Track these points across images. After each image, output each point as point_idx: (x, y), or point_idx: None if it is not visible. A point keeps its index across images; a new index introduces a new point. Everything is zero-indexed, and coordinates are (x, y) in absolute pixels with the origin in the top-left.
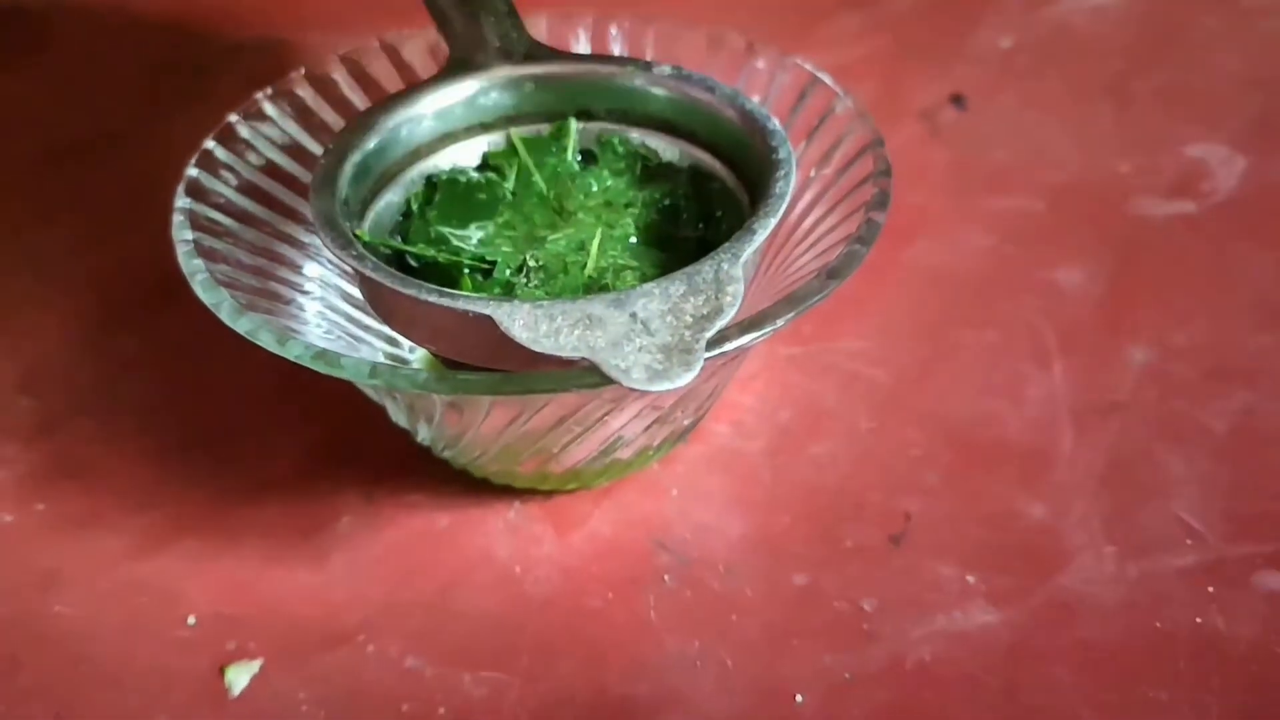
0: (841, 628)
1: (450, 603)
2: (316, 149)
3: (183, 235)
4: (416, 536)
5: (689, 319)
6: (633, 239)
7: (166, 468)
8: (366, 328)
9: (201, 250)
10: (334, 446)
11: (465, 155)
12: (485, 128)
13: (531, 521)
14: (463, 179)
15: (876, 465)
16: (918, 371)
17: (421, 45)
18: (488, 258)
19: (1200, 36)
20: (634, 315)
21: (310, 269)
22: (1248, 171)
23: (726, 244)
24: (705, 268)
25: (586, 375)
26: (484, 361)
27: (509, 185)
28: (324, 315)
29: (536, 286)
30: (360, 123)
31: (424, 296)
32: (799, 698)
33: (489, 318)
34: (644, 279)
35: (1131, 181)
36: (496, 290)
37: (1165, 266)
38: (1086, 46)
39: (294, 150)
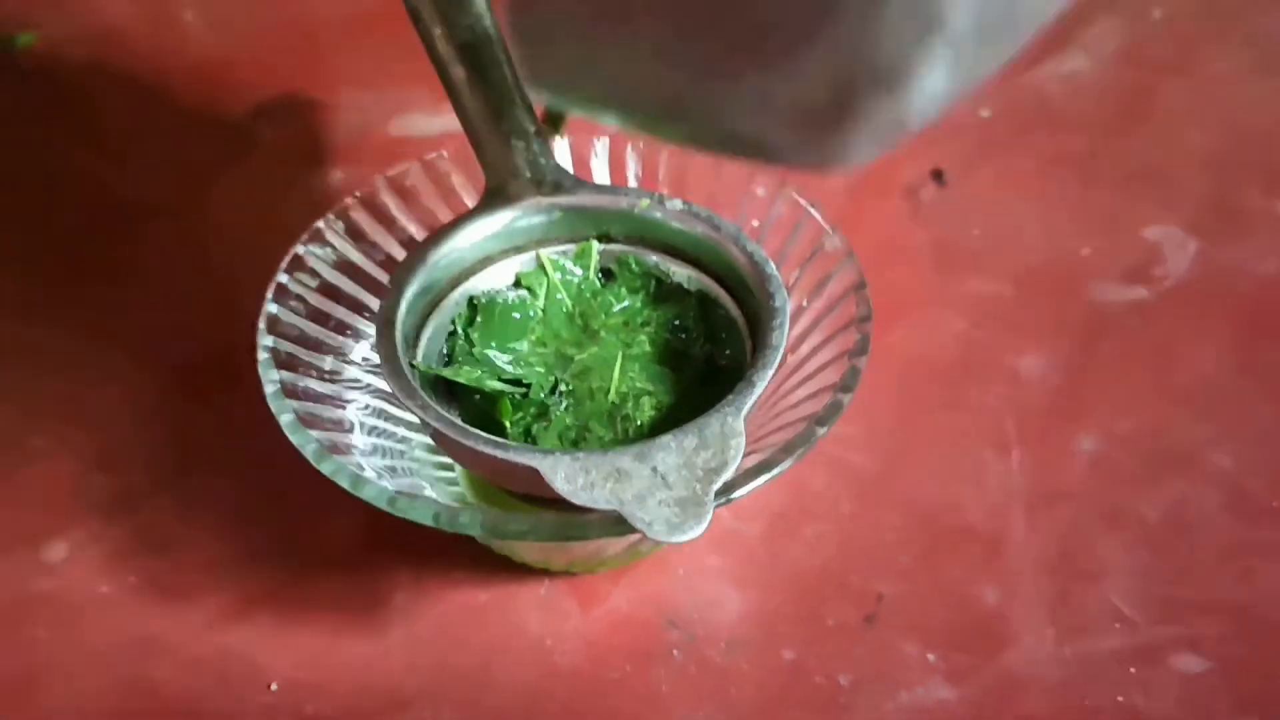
0: (822, 701)
1: (492, 672)
2: (368, 265)
3: (270, 376)
4: (461, 611)
5: (700, 472)
6: (650, 360)
7: (238, 543)
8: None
9: (287, 390)
10: (385, 527)
11: (500, 275)
12: (518, 250)
13: (560, 598)
14: (500, 300)
15: (856, 548)
16: (895, 457)
17: (452, 159)
18: (524, 380)
19: (1167, 108)
20: (655, 469)
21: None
22: (1198, 255)
23: (730, 396)
24: (713, 421)
25: (617, 525)
26: (529, 491)
27: (539, 303)
28: (367, 408)
29: (567, 409)
30: (413, 259)
31: (480, 448)
32: None
33: (534, 468)
34: (658, 405)
35: (1092, 265)
36: (532, 410)
37: (1116, 354)
38: (1060, 119)
39: (347, 267)
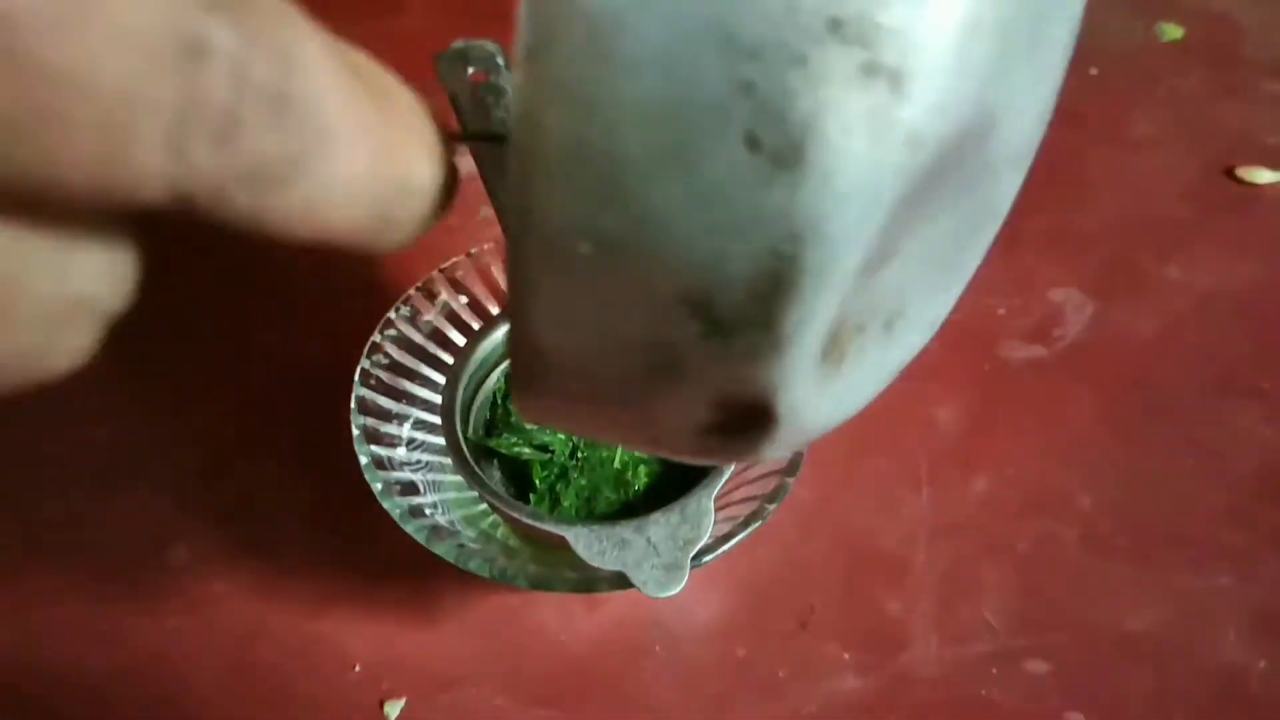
0: (765, 689)
1: (522, 659)
2: (426, 343)
3: (362, 449)
4: (498, 611)
5: (680, 542)
6: None
7: (321, 549)
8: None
9: (377, 463)
10: None
11: None
12: None
13: (572, 603)
14: None
15: (796, 567)
16: (832, 491)
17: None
18: (549, 446)
19: (1092, 171)
20: (648, 540)
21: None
22: (1094, 316)
23: (706, 479)
24: (691, 502)
25: (620, 582)
26: (551, 542)
27: None
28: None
29: (582, 473)
30: (465, 354)
31: (524, 519)
32: None
33: (562, 536)
34: (651, 473)
35: (1004, 323)
36: (555, 471)
37: (1013, 406)
38: None
39: (404, 343)
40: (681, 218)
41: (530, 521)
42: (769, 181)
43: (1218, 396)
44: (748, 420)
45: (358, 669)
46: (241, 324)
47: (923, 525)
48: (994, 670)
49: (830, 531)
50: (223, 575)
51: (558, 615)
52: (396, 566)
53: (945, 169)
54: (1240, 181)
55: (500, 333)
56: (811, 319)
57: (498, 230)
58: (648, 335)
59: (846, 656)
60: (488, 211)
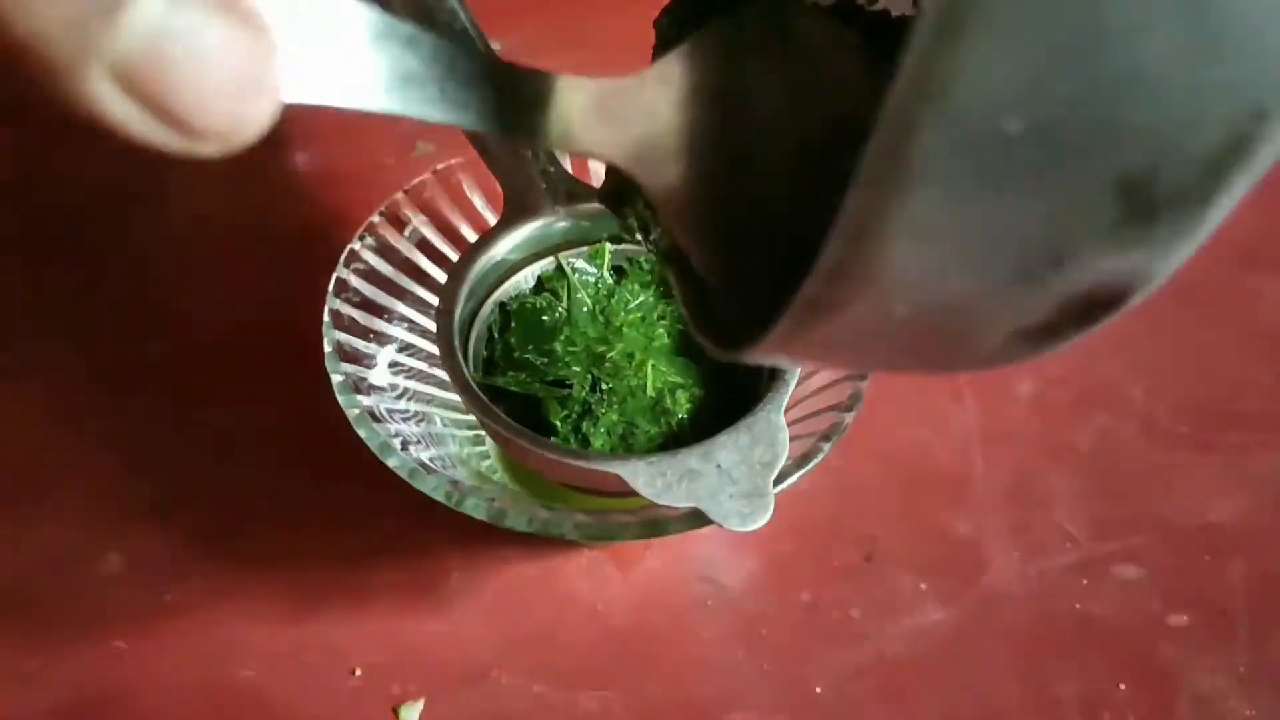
0: (840, 632)
1: (554, 638)
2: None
3: (336, 368)
4: (515, 584)
5: (758, 466)
6: (671, 353)
7: (292, 538)
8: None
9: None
10: (430, 511)
11: (524, 280)
12: (538, 256)
13: (600, 565)
14: (528, 304)
15: (850, 496)
16: (868, 411)
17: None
18: (566, 380)
19: None
20: (719, 467)
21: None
22: None
23: (769, 395)
24: (759, 420)
25: (694, 520)
26: (576, 483)
27: (563, 305)
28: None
29: (611, 407)
30: (455, 279)
31: (563, 459)
32: (818, 689)
33: (615, 474)
34: (692, 398)
35: None
36: (577, 409)
37: None
38: None
39: (373, 276)
40: (1169, 74)
41: (572, 462)
42: None
43: (1244, 272)
44: (1089, 314)
45: (358, 673)
46: (162, 298)
47: (974, 435)
48: (1084, 581)
49: (877, 454)
50: (170, 583)
51: (587, 581)
52: (387, 548)
53: None
54: None
55: (491, 253)
56: (1238, 193)
57: (436, 165)
58: (1044, 231)
59: (923, 586)
60: (425, 147)
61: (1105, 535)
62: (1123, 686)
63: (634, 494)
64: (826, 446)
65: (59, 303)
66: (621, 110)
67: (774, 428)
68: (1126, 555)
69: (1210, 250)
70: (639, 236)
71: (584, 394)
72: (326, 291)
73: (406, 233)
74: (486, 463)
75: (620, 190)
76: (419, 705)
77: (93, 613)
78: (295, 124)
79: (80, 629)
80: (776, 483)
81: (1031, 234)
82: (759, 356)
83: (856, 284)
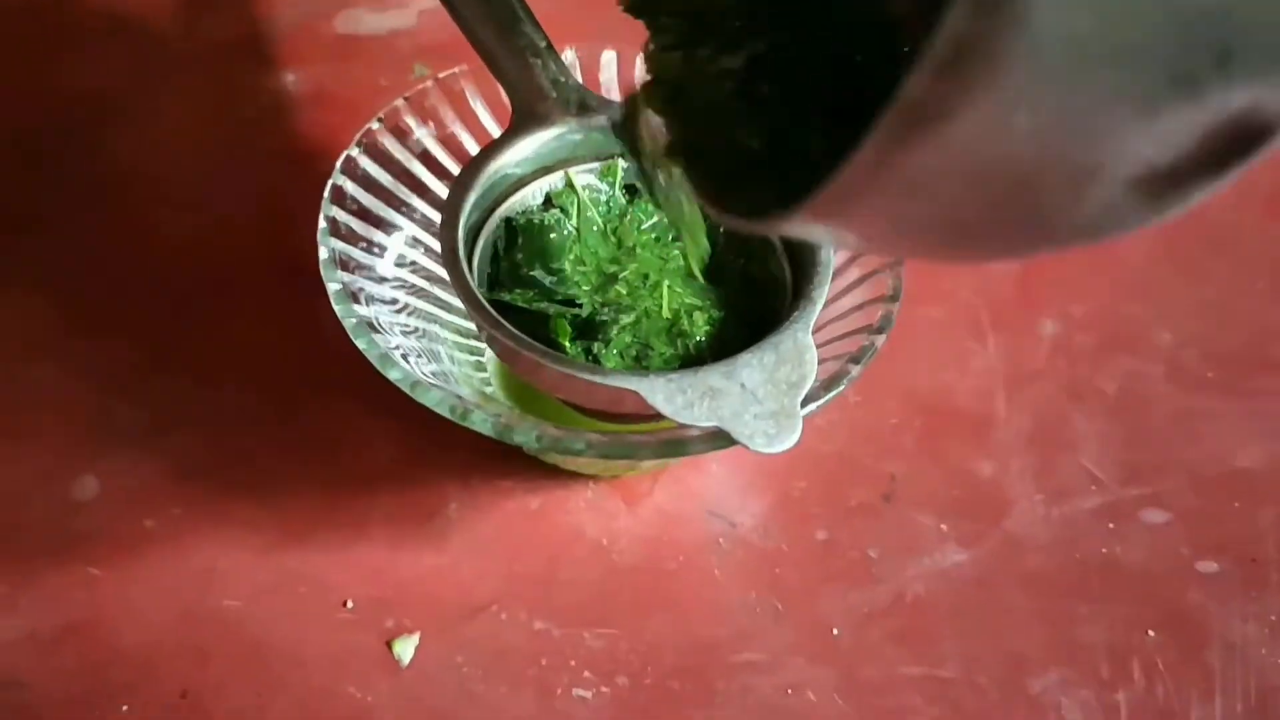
0: (857, 573)
1: (558, 573)
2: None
3: (332, 276)
4: (516, 517)
5: (784, 385)
6: (687, 275)
7: (279, 465)
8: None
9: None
10: (426, 439)
11: (531, 196)
12: (546, 170)
13: (606, 499)
14: (536, 220)
15: (865, 434)
16: (889, 349)
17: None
18: (575, 299)
19: None
20: (743, 386)
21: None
22: None
23: (795, 314)
24: (785, 339)
25: (716, 439)
26: (587, 404)
27: (572, 222)
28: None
29: (625, 328)
30: (460, 189)
31: (577, 374)
32: (835, 630)
33: (631, 390)
34: (710, 320)
35: None
36: (587, 329)
37: None
38: None
39: (367, 182)
40: None
41: (587, 377)
42: None
43: (1272, 218)
44: (1229, 152)
45: (349, 605)
46: (144, 217)
47: (997, 376)
48: (1110, 525)
49: (895, 392)
50: (149, 509)
51: (592, 515)
52: (378, 478)
53: None
54: None
55: (497, 164)
56: None
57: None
58: (1217, 3)
59: (944, 527)
60: (423, 69)
61: (1132, 479)
62: (1151, 633)
63: (649, 417)
64: (856, 369)
65: (36, 221)
66: None
67: (801, 346)
68: (1154, 500)
69: (1237, 195)
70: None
71: (595, 313)
72: (319, 209)
73: (408, 143)
74: (490, 389)
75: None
76: (414, 639)
77: (66, 538)
78: (283, 42)
79: (53, 554)
80: (804, 404)
81: (1200, 8)
82: (810, 217)
83: (978, 77)
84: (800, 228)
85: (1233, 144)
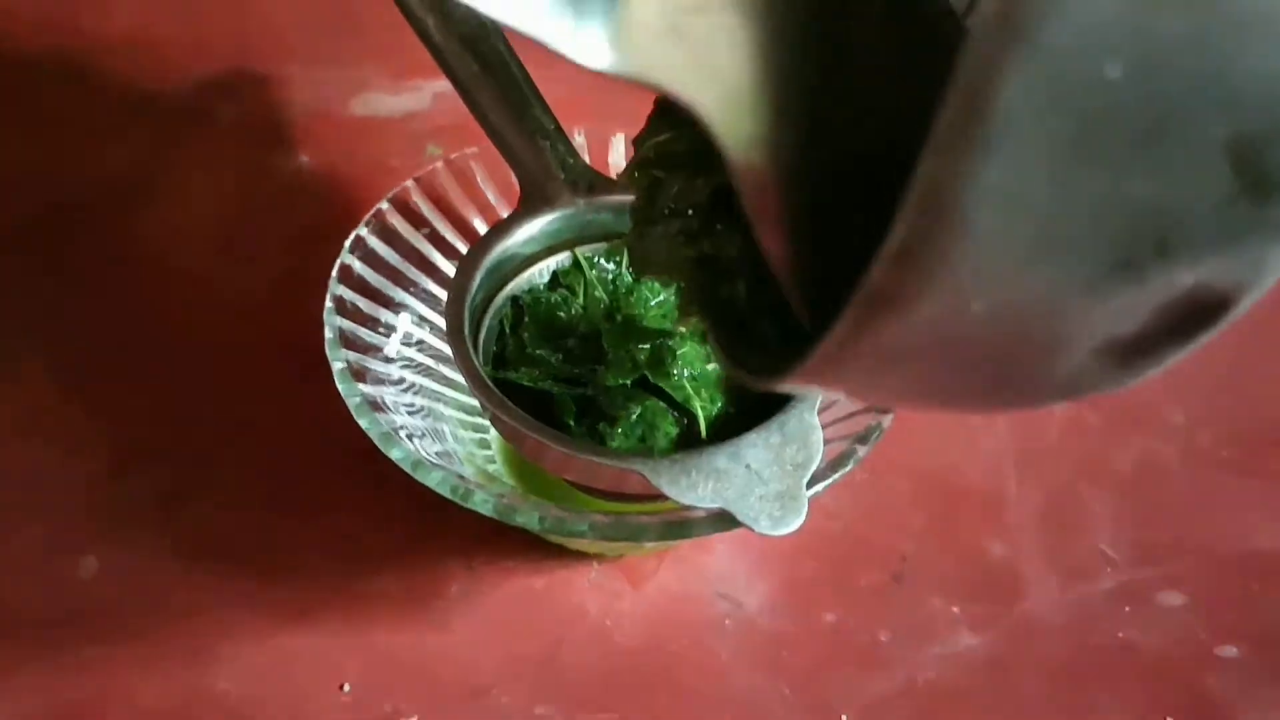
0: (866, 656)
1: (560, 656)
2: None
3: (337, 355)
4: (519, 598)
5: (790, 466)
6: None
7: (280, 545)
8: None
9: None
10: (430, 519)
11: (538, 275)
12: (554, 250)
13: (611, 579)
14: (544, 299)
15: (875, 512)
16: (898, 426)
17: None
18: (581, 379)
19: None
20: (749, 466)
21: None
22: None
23: (801, 394)
24: (791, 418)
25: (721, 522)
26: (592, 484)
27: (579, 301)
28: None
29: (631, 408)
30: (468, 269)
31: (581, 455)
32: (844, 717)
33: (635, 470)
34: (714, 399)
35: None
36: (592, 409)
37: None
38: None
39: (376, 262)
40: None
41: (591, 459)
42: None
43: None
44: (1188, 324)
45: (347, 689)
46: (153, 298)
47: (1007, 455)
48: (1126, 608)
49: (904, 471)
50: (147, 589)
51: (596, 595)
52: (381, 559)
53: None
54: None
55: (505, 244)
56: None
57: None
58: (1147, 203)
59: (956, 610)
60: (435, 150)
61: (1147, 560)
62: None
63: (653, 498)
64: (862, 450)
65: (42, 303)
66: (698, 28)
67: (807, 427)
68: (1170, 581)
69: None
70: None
71: (599, 393)
72: (327, 289)
73: (417, 223)
74: (493, 466)
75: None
76: None
77: (65, 617)
78: (300, 125)
79: (50, 634)
80: (810, 485)
81: (1132, 207)
82: (800, 382)
83: (929, 270)
84: (790, 389)
85: (1191, 317)
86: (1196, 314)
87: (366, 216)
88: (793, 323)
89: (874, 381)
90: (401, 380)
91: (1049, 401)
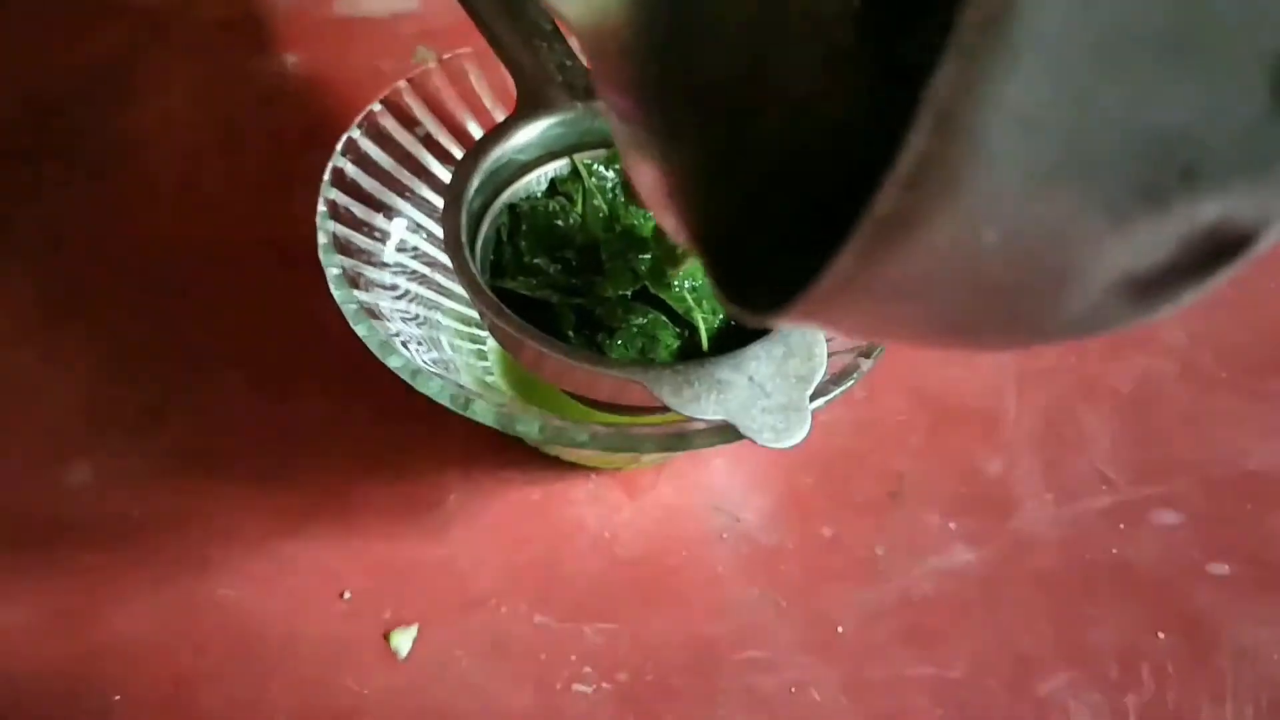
0: (862, 570)
1: (559, 566)
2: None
3: (331, 261)
4: (517, 509)
5: (793, 379)
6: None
7: (272, 455)
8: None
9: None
10: (427, 428)
11: (535, 182)
12: (552, 156)
13: (608, 491)
14: (541, 208)
15: (873, 431)
16: (895, 345)
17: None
18: (581, 289)
19: None
20: (751, 379)
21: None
22: None
23: None
24: (794, 331)
25: (722, 434)
26: (592, 395)
27: (577, 209)
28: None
29: (631, 319)
30: (464, 173)
31: (582, 365)
32: (840, 628)
33: (636, 381)
34: (717, 310)
35: None
36: (592, 320)
37: None
38: None
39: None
40: None
41: (592, 368)
42: None
43: None
44: (1209, 259)
45: (347, 596)
46: (139, 201)
47: (1007, 373)
48: (1120, 526)
49: (902, 389)
50: (141, 497)
51: (595, 508)
52: (379, 466)
53: None
54: None
55: (502, 149)
56: None
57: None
58: (1176, 122)
59: (952, 526)
60: (426, 53)
61: (1143, 480)
62: (1161, 636)
63: (653, 410)
64: (866, 363)
65: (28, 206)
66: None
67: (810, 340)
68: (1165, 501)
69: None
70: None
71: (599, 303)
72: (317, 193)
73: (411, 126)
74: (491, 378)
75: None
76: (412, 631)
77: (58, 525)
78: (283, 24)
79: (44, 542)
80: (813, 399)
81: (1158, 129)
82: (801, 317)
83: (941, 195)
84: (791, 324)
85: (1212, 252)
86: (1219, 250)
87: (358, 118)
88: (797, 258)
89: (877, 317)
90: (396, 287)
91: (1059, 339)
